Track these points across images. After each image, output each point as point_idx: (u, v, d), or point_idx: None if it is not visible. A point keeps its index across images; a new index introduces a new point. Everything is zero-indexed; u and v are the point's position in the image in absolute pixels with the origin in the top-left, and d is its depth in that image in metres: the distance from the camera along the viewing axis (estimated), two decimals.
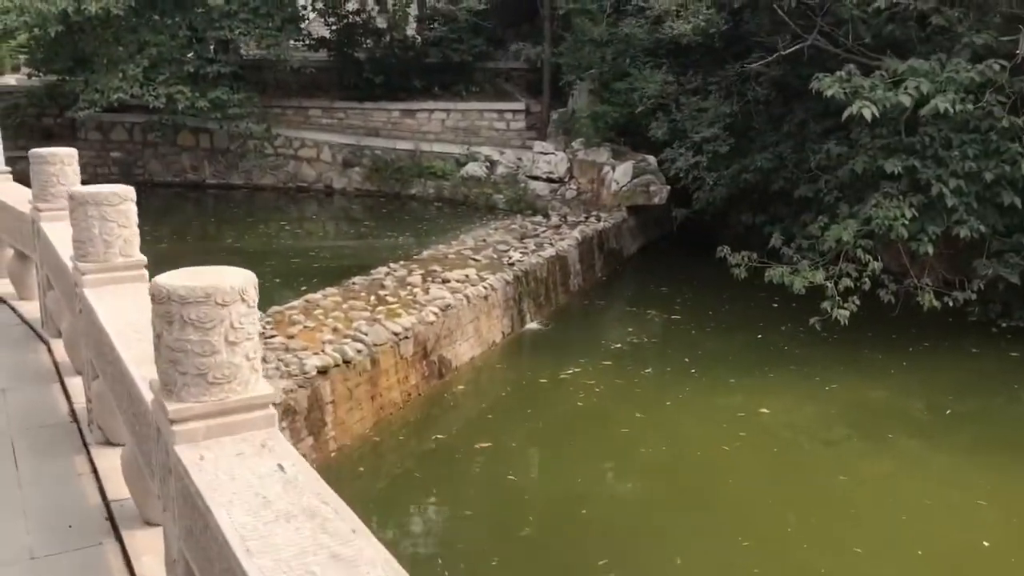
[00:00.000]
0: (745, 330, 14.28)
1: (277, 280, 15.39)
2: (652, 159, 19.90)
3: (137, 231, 5.94)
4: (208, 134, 24.55)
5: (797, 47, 14.82)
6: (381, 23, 25.20)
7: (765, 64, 16.06)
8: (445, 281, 13.64)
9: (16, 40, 23.68)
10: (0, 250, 9.77)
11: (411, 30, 25.94)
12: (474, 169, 22.45)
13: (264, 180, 24.52)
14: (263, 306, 10.93)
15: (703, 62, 19.33)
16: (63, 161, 7.76)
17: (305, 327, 11.11)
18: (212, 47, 22.20)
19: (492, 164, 22.58)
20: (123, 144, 25.68)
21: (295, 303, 12.27)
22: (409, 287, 13.24)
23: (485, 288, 13.70)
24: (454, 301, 12.78)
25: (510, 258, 15.42)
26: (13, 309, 8.98)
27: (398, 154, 23.48)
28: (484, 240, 17.03)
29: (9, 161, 23.81)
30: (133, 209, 5.86)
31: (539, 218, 19.52)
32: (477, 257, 15.43)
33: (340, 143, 23.98)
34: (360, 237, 20.26)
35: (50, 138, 25.91)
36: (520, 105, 24.21)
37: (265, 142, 23.29)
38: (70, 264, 5.90)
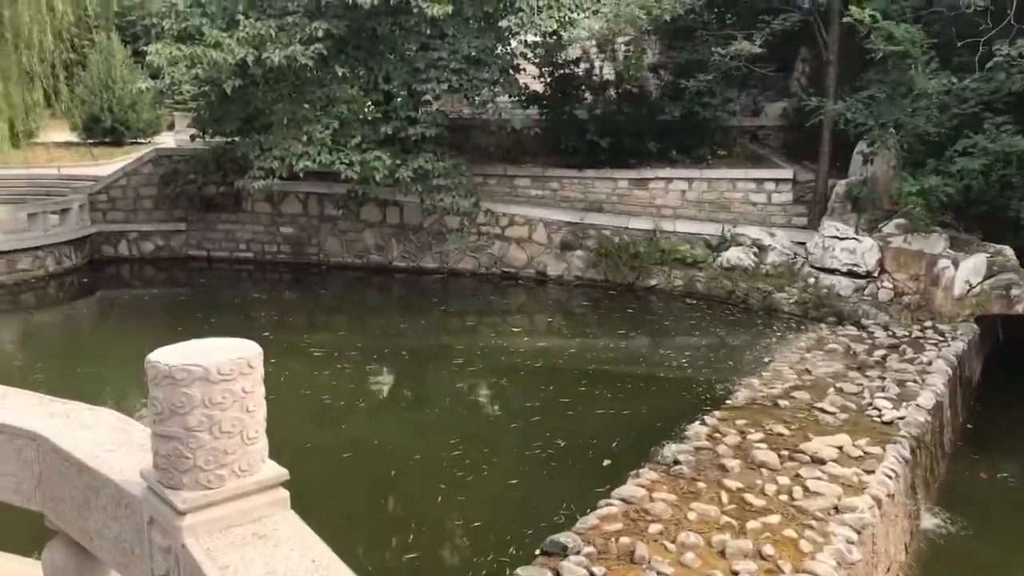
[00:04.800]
0: None
1: (488, 399, 10.78)
2: (1009, 252, 14.37)
3: None
4: (397, 208, 20.45)
5: None
6: (608, 72, 20.66)
7: None
8: (819, 462, 8.52)
9: (181, 95, 20.28)
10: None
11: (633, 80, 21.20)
12: (737, 256, 17.34)
13: (462, 264, 20.14)
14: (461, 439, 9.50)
15: None
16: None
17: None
18: (413, 104, 18.06)
19: (761, 249, 17.43)
20: (296, 218, 21.93)
21: (611, 506, 7.44)
22: (769, 473, 8.19)
23: (888, 475, 8.47)
24: (865, 509, 7.61)
25: (878, 411, 10.13)
26: None
27: (631, 235, 18.66)
28: (807, 371, 11.83)
29: (163, 235, 20.44)
30: None
31: (852, 329, 14.27)
32: (824, 406, 10.23)
33: (557, 220, 19.37)
34: (583, 337, 15.63)
35: (212, 209, 22.55)
36: (786, 173, 19.05)
37: (466, 219, 18.97)
38: None
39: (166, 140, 30.82)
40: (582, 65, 20.96)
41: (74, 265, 21.39)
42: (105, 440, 3.37)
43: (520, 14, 17.00)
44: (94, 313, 19.85)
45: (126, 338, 16.12)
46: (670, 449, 8.72)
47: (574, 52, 20.94)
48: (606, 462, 9.63)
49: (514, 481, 9.44)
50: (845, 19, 15.64)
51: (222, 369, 2.76)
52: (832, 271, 15.91)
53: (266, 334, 15.60)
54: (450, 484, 9.34)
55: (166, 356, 2.89)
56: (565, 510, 8.30)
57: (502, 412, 11.43)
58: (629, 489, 7.82)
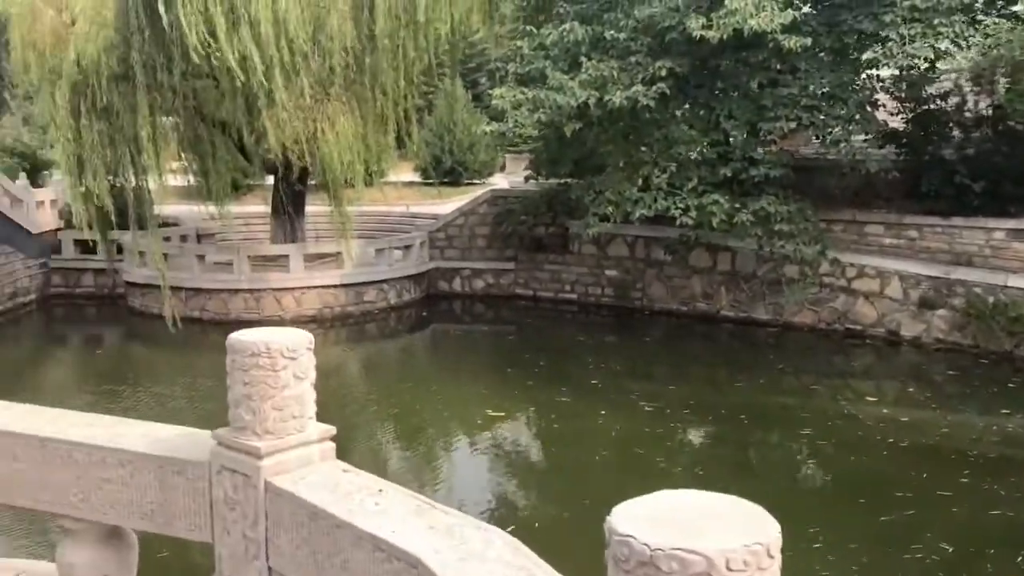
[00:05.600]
0: None
1: (846, 480, 9.21)
2: None
3: None
4: (729, 254, 19.25)
5: None
6: (983, 107, 18.09)
7: None
8: None
9: (519, 137, 20.60)
10: None
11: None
12: None
13: (799, 317, 18.46)
14: None
15: None
16: None
17: None
18: (755, 144, 16.86)
19: None
20: (621, 261, 21.45)
21: None
22: None
23: None
24: None
25: None
26: None
27: (1010, 295, 15.96)
28: None
29: (494, 273, 20.75)
30: None
31: None
32: None
33: (916, 274, 17.11)
34: (955, 413, 13.39)
35: (540, 249, 22.74)
36: None
37: (808, 268, 17.33)
38: None
39: (499, 181, 32.05)
40: (951, 99, 18.51)
41: (412, 299, 22.49)
42: None
43: (889, 44, 15.23)
44: (428, 346, 20.67)
45: (460, 373, 16.50)
46: None
47: (941, 85, 18.55)
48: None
49: None
50: None
51: (733, 563, 1.65)
52: None
53: (594, 382, 15.14)
54: None
55: (642, 526, 1.76)
56: None
57: (866, 499, 9.84)
58: None
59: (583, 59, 17.23)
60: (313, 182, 22.18)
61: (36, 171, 25.66)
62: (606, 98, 16.38)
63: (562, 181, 20.45)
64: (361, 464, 3.36)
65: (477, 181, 32.72)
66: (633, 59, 16.97)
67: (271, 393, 3.10)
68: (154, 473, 3.35)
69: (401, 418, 13.84)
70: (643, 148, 17.35)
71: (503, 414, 13.41)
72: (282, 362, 3.10)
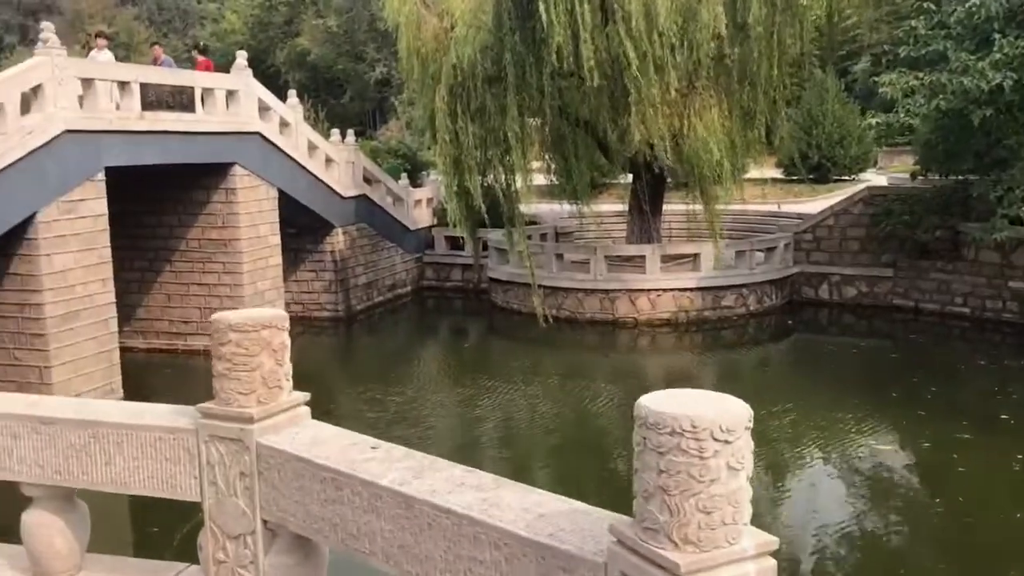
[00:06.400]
0: None
1: None
2: None
3: None
4: None
5: None
6: None
7: None
8: None
9: (910, 129, 18.11)
10: None
11: None
12: None
13: None
14: None
15: None
16: None
17: None
18: None
19: None
20: None
21: None
22: None
23: None
24: None
25: None
26: None
27: None
28: None
29: (867, 281, 18.41)
30: None
31: None
32: None
33: None
34: None
35: (924, 255, 19.99)
36: None
37: None
38: None
39: (871, 178, 29.11)
40: None
41: (773, 305, 20.93)
42: None
43: None
44: (791, 358, 18.96)
45: (831, 392, 14.69)
46: None
47: None
48: None
49: None
50: None
51: None
52: None
53: (1004, 417, 12.69)
54: None
55: None
56: None
57: None
58: None
59: (995, 36, 14.69)
60: (669, 180, 21.43)
61: (415, 171, 27.60)
62: None
63: (959, 177, 17.69)
64: None
65: (847, 178, 29.99)
66: None
67: (695, 488, 2.25)
68: (535, 565, 2.65)
69: (769, 440, 12.44)
70: None
71: (890, 448, 11.61)
72: (712, 446, 2.23)
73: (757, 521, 2.38)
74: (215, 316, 3.52)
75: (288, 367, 3.63)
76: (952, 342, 18.48)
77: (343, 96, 53.34)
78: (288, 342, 3.61)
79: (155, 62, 17.88)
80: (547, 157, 20.75)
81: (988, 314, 18.87)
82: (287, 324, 3.59)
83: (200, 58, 19.61)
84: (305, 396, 3.72)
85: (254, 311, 3.59)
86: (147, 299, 17.96)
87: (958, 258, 19.57)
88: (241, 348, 3.44)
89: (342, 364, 19.43)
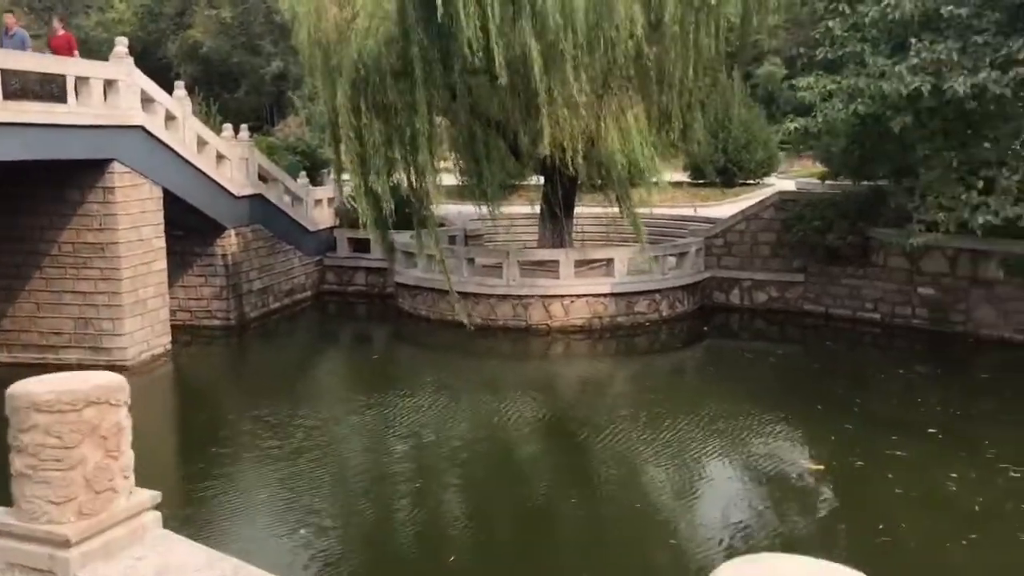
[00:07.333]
0: None
1: None
2: None
3: None
4: None
5: None
6: None
7: None
8: None
9: (827, 134, 17.92)
10: None
11: None
12: None
13: None
14: None
15: None
16: None
17: None
18: None
19: None
20: (939, 278, 18.26)
21: None
22: None
23: None
24: None
25: None
26: None
27: None
28: None
29: (778, 286, 18.02)
30: None
31: None
32: None
33: None
34: None
35: (835, 260, 19.92)
36: None
37: None
38: None
39: (774, 182, 29.27)
40: None
41: (685, 311, 20.56)
42: None
43: None
44: (704, 365, 18.52)
45: (751, 404, 14.14)
46: None
47: None
48: None
49: None
50: None
51: None
52: None
53: (931, 430, 12.41)
54: None
55: None
56: None
57: None
58: None
59: (911, 40, 14.54)
60: (582, 183, 20.81)
61: (316, 169, 26.31)
62: (944, 86, 13.61)
63: (872, 183, 17.60)
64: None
65: (752, 182, 30.10)
66: (979, 39, 14.06)
67: None
68: None
69: (682, 464, 11.73)
70: (986, 145, 14.33)
71: (822, 467, 11.11)
72: None
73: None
74: (12, 389, 2.46)
75: (128, 458, 2.57)
76: (864, 348, 18.40)
77: (238, 90, 51.16)
78: (127, 422, 2.54)
79: (6, 33, 16.08)
80: (456, 157, 19.84)
81: (898, 320, 18.91)
82: (125, 395, 2.54)
83: (60, 31, 17.35)
84: (154, 498, 2.70)
85: (73, 379, 2.50)
86: (13, 308, 16.25)
87: (868, 264, 19.57)
88: (52, 436, 2.35)
89: (235, 380, 17.86)
